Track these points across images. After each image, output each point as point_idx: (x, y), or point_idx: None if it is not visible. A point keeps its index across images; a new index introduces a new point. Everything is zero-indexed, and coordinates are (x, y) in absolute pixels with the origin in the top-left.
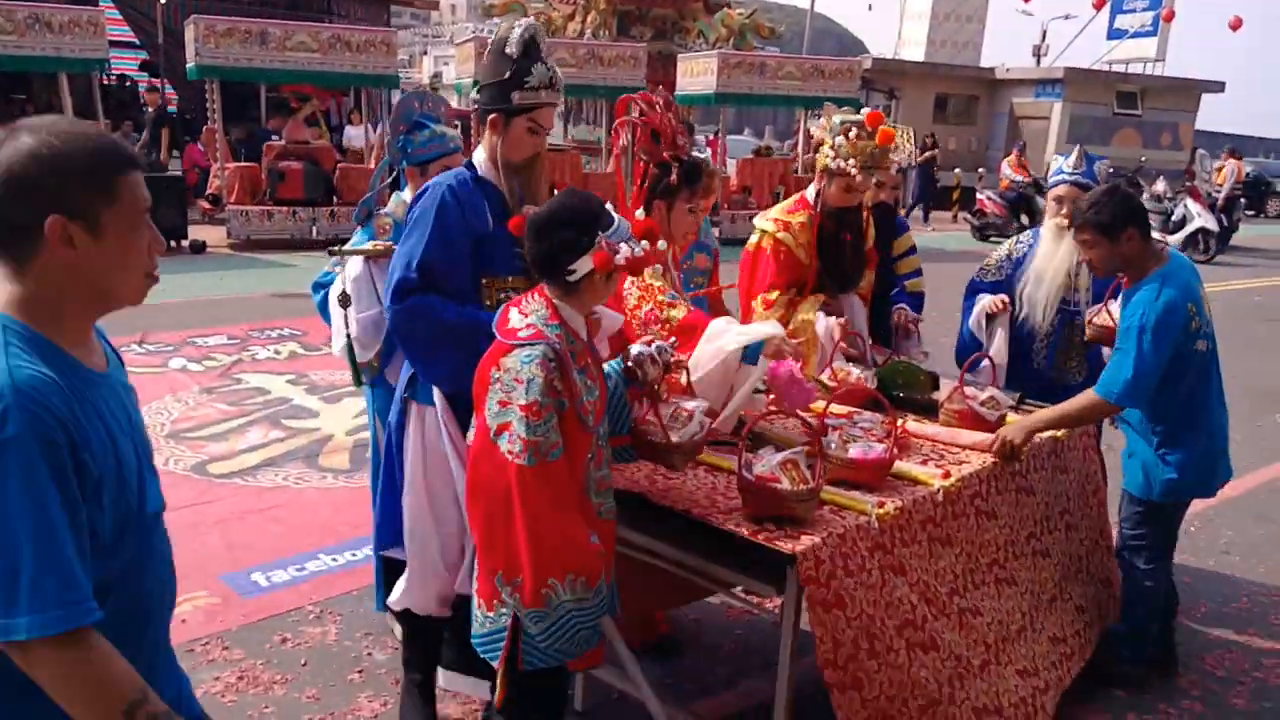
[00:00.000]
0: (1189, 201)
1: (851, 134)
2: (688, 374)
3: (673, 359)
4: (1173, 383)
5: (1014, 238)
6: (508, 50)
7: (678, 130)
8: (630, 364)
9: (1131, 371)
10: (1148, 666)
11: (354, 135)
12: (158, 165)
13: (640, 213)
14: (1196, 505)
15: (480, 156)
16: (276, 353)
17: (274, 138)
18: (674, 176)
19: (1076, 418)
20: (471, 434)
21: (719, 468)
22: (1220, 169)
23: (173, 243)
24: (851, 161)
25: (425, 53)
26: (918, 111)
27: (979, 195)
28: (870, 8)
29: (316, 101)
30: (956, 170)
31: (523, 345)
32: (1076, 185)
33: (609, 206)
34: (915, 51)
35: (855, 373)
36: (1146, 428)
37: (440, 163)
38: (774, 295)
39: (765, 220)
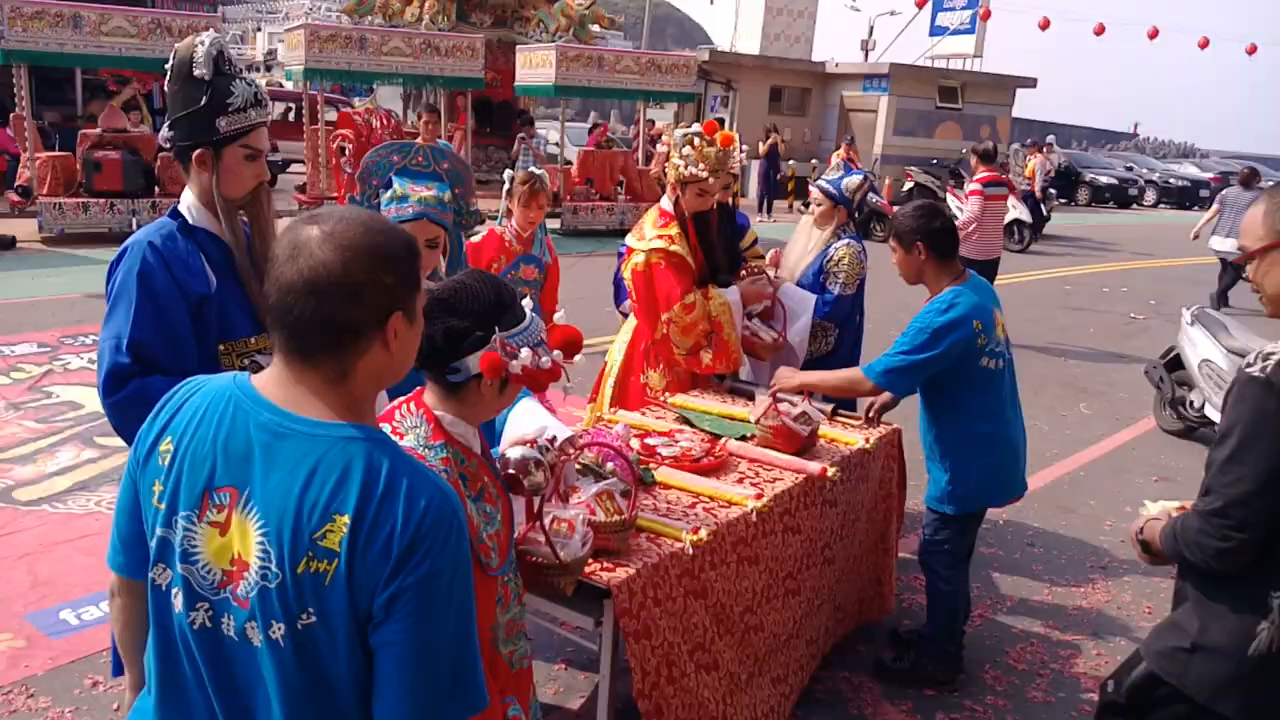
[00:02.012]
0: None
1: (696, 143)
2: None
3: (557, 458)
4: (955, 397)
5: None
6: (196, 73)
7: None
8: (511, 471)
9: (897, 361)
10: (953, 665)
11: None
12: None
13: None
14: None
15: (188, 200)
16: (91, 362)
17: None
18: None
19: (834, 385)
20: None
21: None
22: (1029, 164)
23: None
24: (702, 167)
25: (259, 29)
26: (754, 103)
27: (811, 187)
28: (712, 2)
29: (137, 85)
30: (791, 162)
31: None
32: (822, 190)
33: (525, 302)
34: (751, 45)
35: (768, 335)
36: (937, 443)
37: (415, 225)
38: (690, 299)
39: (646, 242)
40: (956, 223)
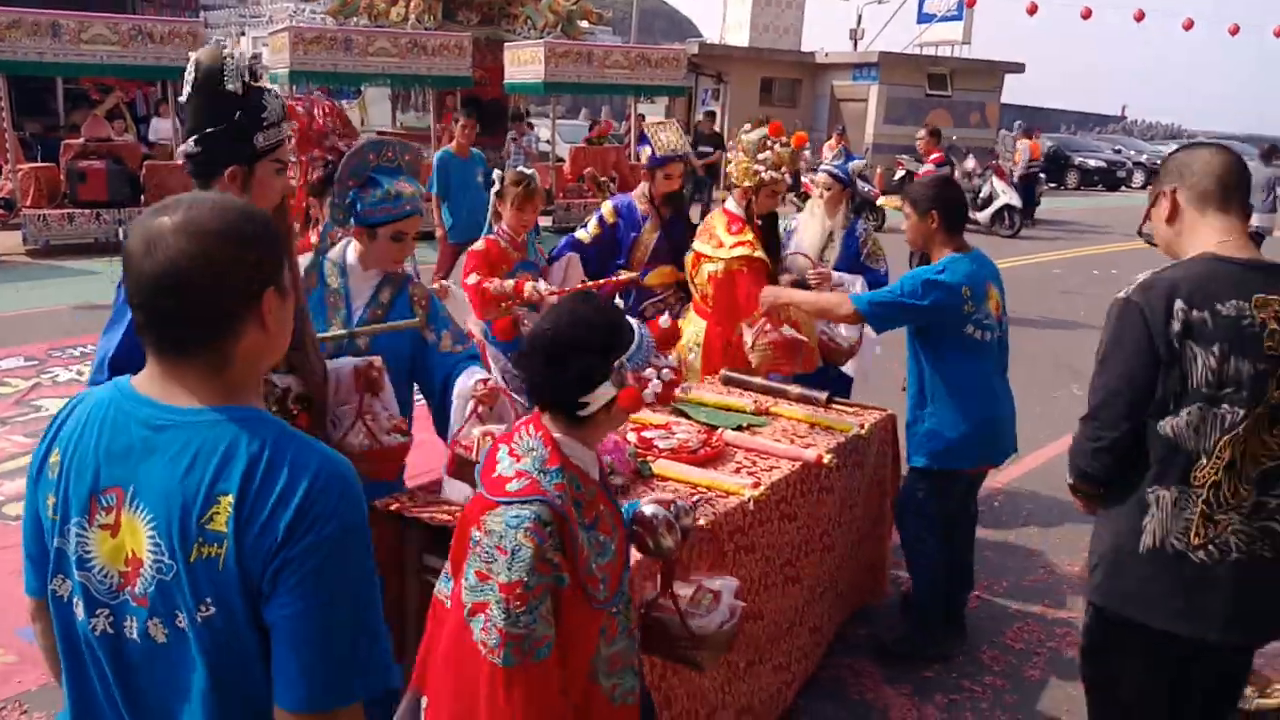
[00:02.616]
0: (994, 179)
1: (775, 147)
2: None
3: (694, 522)
4: (942, 356)
5: (786, 219)
6: (229, 86)
7: (333, 131)
8: (637, 528)
9: (885, 296)
10: (934, 635)
11: (162, 129)
12: None
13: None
14: (1000, 478)
15: None
16: (79, 374)
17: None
18: (318, 175)
19: (818, 304)
20: (450, 596)
21: None
22: (1018, 150)
23: None
24: (784, 169)
25: (244, 34)
26: (745, 95)
27: (803, 178)
28: None
29: (120, 93)
30: None
31: (509, 502)
32: (832, 175)
33: (629, 320)
34: (740, 36)
35: (845, 339)
36: (920, 395)
37: (392, 227)
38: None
39: (727, 250)
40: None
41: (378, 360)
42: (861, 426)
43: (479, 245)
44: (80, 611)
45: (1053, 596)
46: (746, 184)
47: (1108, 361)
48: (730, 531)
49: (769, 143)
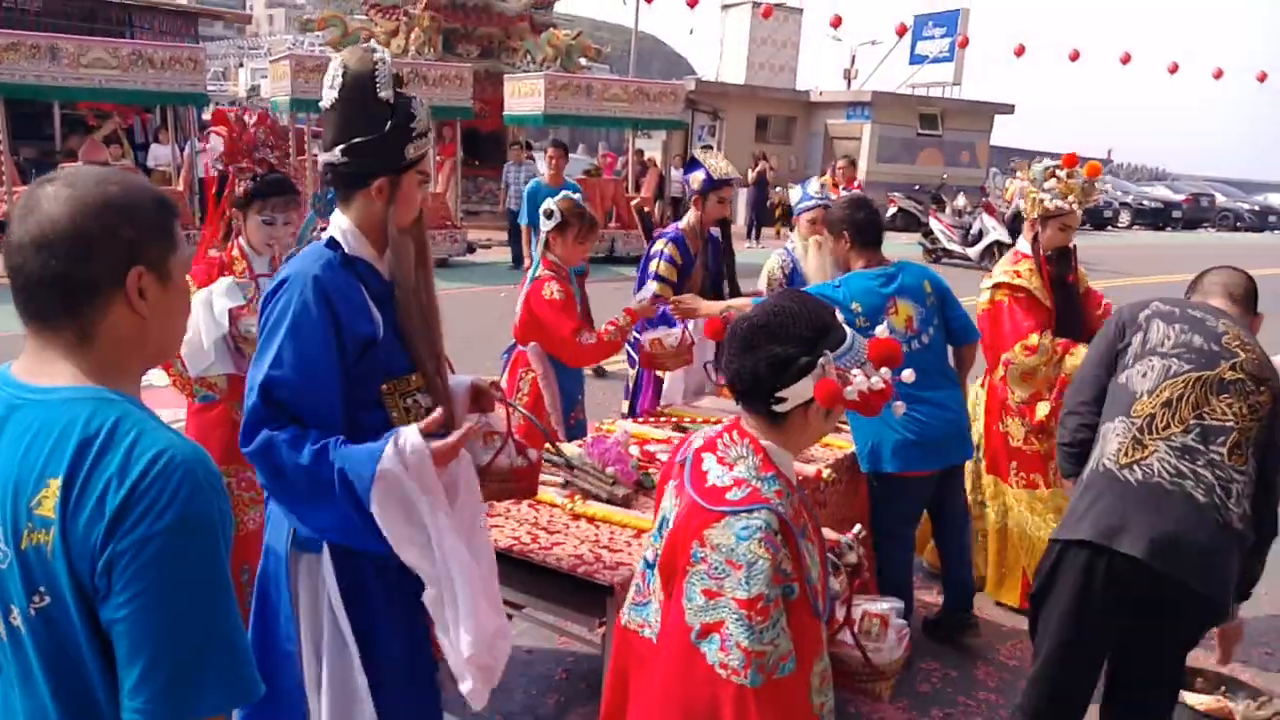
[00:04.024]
0: (984, 216)
1: (1061, 175)
2: None
3: (858, 560)
4: None
5: (772, 260)
6: (381, 94)
7: (264, 144)
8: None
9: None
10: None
11: (160, 154)
12: None
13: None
14: None
15: (343, 226)
16: None
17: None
18: (243, 188)
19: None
20: (653, 623)
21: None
22: (1009, 188)
23: None
24: (1071, 199)
25: (241, 65)
26: (740, 131)
27: (802, 212)
28: (691, 32)
29: (118, 119)
30: (778, 189)
31: (736, 513)
32: (822, 207)
33: (839, 317)
34: (736, 74)
35: None
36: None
37: None
38: (1034, 340)
39: (992, 278)
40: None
41: (495, 379)
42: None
43: (557, 295)
44: None
45: None
46: (1033, 215)
47: (1082, 372)
48: None
49: (1057, 172)
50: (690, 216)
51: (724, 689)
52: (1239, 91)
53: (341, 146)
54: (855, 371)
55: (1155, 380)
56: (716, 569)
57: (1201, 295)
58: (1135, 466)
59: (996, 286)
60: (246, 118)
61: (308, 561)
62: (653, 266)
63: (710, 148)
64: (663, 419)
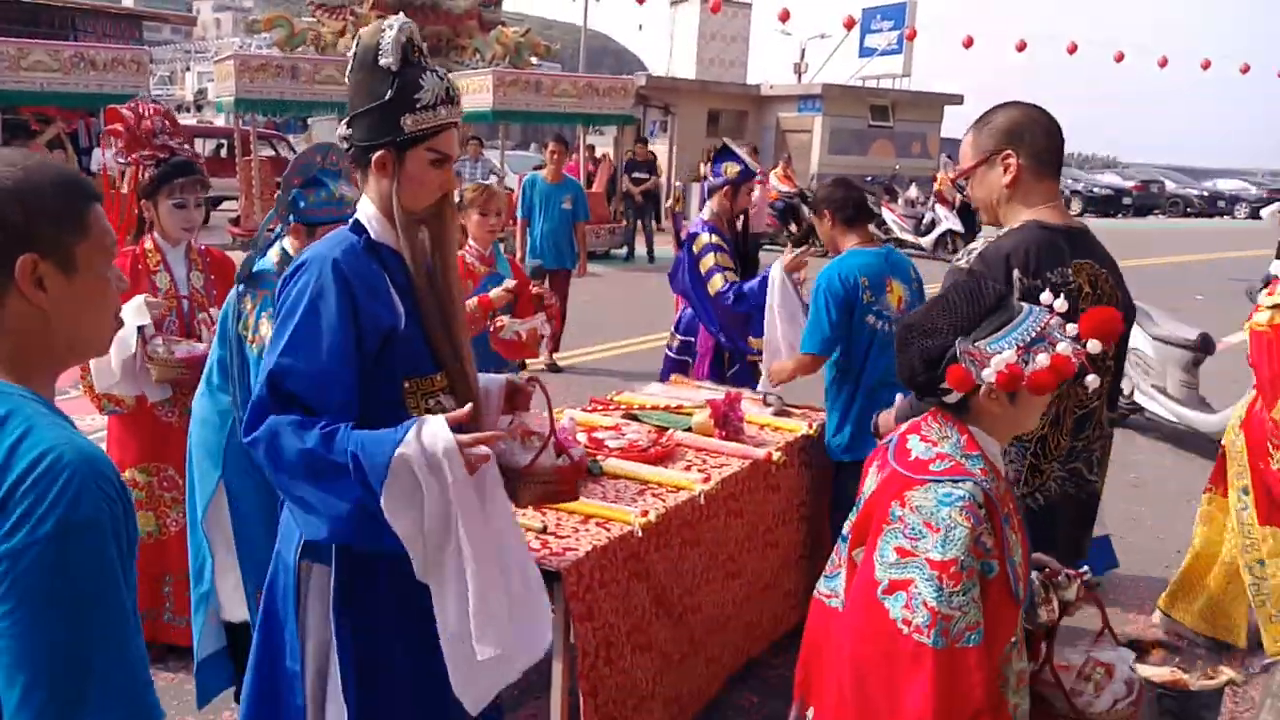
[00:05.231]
0: (937, 206)
1: None
2: None
3: (1075, 598)
4: (850, 346)
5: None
6: (382, 61)
7: (162, 131)
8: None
9: (815, 327)
10: None
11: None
12: None
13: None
14: None
15: (368, 211)
16: None
17: None
18: (149, 174)
19: (794, 370)
20: (839, 592)
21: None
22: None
23: None
24: None
25: (189, 69)
26: (692, 126)
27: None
28: (641, 28)
29: (61, 124)
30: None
31: (940, 481)
32: (804, 203)
33: (1011, 298)
34: (687, 69)
35: None
36: (831, 389)
37: (331, 228)
38: None
39: (1274, 297)
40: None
41: (534, 375)
42: (810, 426)
43: None
44: None
45: None
46: None
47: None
48: (679, 525)
49: None
50: (715, 205)
51: (903, 643)
52: (1185, 79)
53: (346, 119)
54: (1006, 350)
55: None
56: (913, 529)
57: (1035, 171)
58: (1037, 493)
59: (1277, 308)
60: (141, 110)
61: (318, 574)
62: (709, 260)
63: (643, 142)
64: (613, 407)
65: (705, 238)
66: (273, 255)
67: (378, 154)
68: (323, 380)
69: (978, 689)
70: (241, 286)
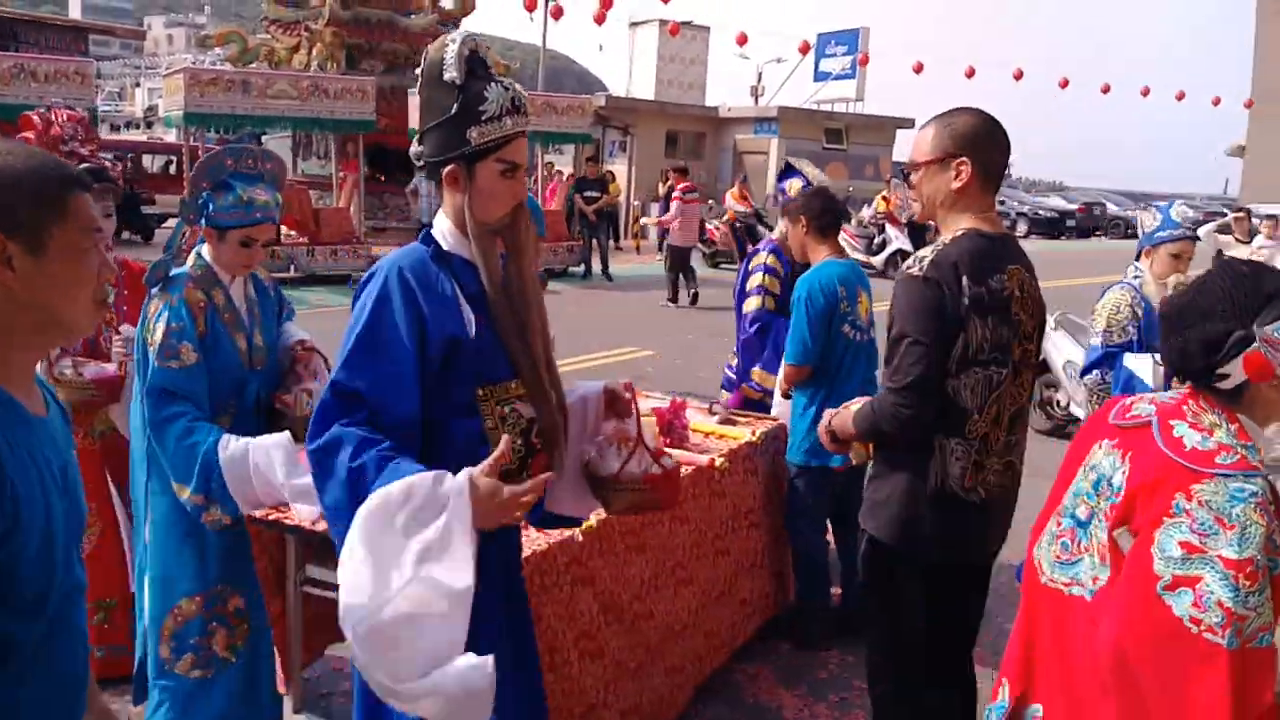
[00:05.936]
0: (887, 226)
1: None
2: None
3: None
4: (826, 354)
5: (1113, 300)
6: (446, 76)
7: (73, 137)
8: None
9: (797, 339)
10: (831, 624)
11: None
12: None
13: None
14: None
15: (442, 226)
16: None
17: None
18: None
19: (784, 386)
20: (1083, 580)
21: None
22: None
23: None
24: None
25: (139, 85)
26: (651, 147)
27: (708, 225)
28: (601, 49)
29: (2, 137)
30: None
31: (1230, 475)
32: (1187, 239)
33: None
34: (646, 90)
35: None
36: (803, 396)
37: (242, 232)
38: None
39: None
40: (664, 218)
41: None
42: (753, 433)
43: None
44: None
45: None
46: None
47: (920, 339)
48: (621, 532)
49: None
50: (783, 226)
51: (1193, 644)
52: (1125, 106)
53: (419, 135)
54: None
55: (984, 395)
56: (1202, 525)
57: (983, 179)
58: (979, 488)
59: None
60: (54, 116)
61: None
62: (756, 278)
63: (593, 161)
64: None
65: (763, 257)
66: (190, 260)
67: (448, 169)
68: (385, 388)
69: (1269, 690)
70: (154, 289)
